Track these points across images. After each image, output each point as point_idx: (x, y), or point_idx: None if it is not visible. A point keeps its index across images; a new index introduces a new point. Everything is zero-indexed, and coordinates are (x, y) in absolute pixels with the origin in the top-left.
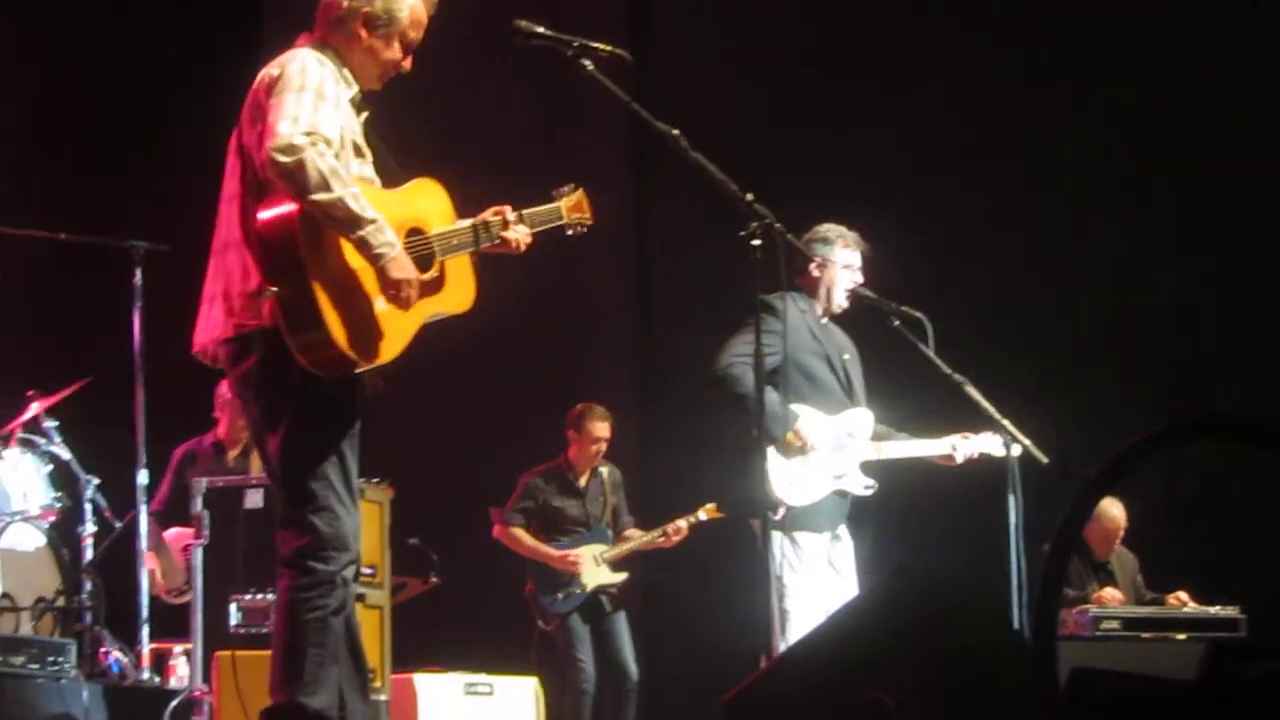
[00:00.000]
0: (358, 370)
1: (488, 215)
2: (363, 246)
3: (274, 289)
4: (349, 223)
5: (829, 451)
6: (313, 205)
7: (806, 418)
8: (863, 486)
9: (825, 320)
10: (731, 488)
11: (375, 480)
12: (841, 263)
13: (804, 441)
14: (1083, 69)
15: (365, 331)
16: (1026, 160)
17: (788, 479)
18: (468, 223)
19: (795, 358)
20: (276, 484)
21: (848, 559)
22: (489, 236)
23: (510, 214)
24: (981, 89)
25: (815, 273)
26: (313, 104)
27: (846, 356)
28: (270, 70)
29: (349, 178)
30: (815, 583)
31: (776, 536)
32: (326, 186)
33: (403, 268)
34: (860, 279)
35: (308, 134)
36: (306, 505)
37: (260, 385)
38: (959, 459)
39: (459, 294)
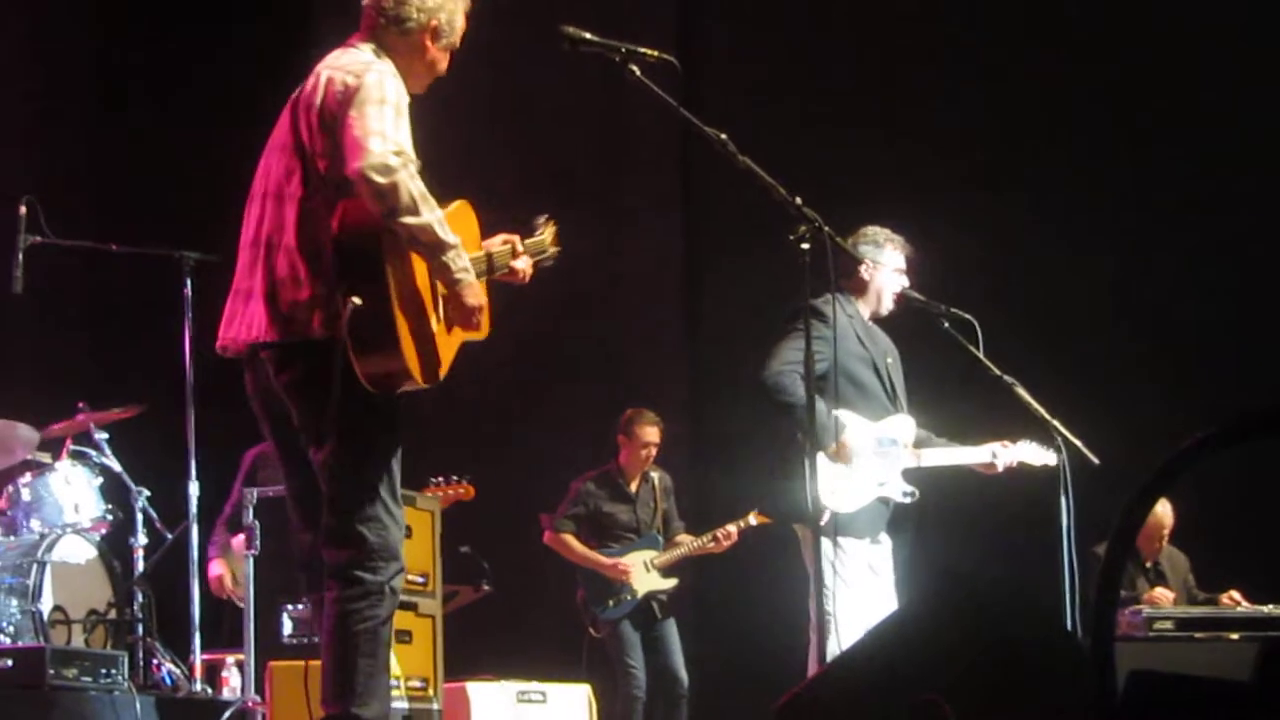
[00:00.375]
0: (404, 389)
1: (497, 244)
2: (443, 271)
3: (355, 300)
4: (434, 247)
5: (872, 458)
6: (401, 227)
7: (851, 428)
8: (903, 493)
9: (870, 324)
10: (776, 493)
11: (456, 478)
12: (891, 265)
13: (848, 451)
14: (1134, 77)
15: (428, 352)
16: (1072, 167)
17: (832, 486)
18: (483, 251)
19: (842, 363)
20: (314, 493)
21: (886, 561)
22: (498, 266)
23: (519, 244)
24: (1029, 95)
25: (865, 275)
26: (394, 120)
27: (890, 360)
28: (344, 78)
29: (433, 200)
30: (859, 588)
31: (823, 543)
32: (416, 210)
33: (477, 294)
34: (907, 282)
35: (398, 154)
36: (355, 516)
37: (309, 395)
38: (999, 467)
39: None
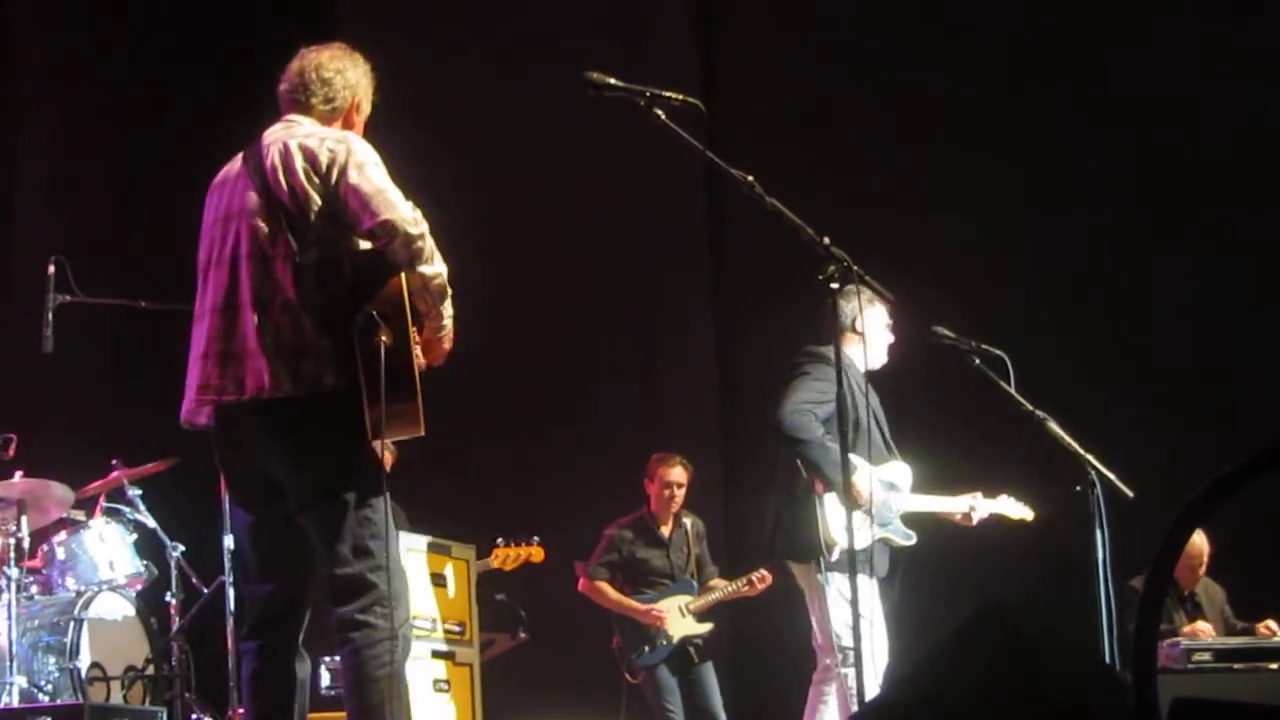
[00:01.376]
0: (396, 437)
1: None
2: (438, 318)
3: (385, 339)
4: (440, 295)
5: (876, 501)
6: (419, 277)
7: (861, 470)
8: (903, 537)
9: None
10: (782, 534)
11: (524, 540)
12: (880, 321)
13: (859, 494)
14: (1149, 114)
15: (424, 401)
16: (1102, 195)
17: (841, 522)
18: None
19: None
20: (325, 544)
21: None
22: None
23: None
24: (1052, 130)
25: (859, 328)
26: (389, 179)
27: (880, 414)
28: (326, 144)
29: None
30: (878, 623)
31: (836, 579)
32: (433, 261)
33: (452, 340)
34: (893, 338)
35: (415, 208)
36: (365, 562)
37: (319, 449)
38: (974, 520)
39: None
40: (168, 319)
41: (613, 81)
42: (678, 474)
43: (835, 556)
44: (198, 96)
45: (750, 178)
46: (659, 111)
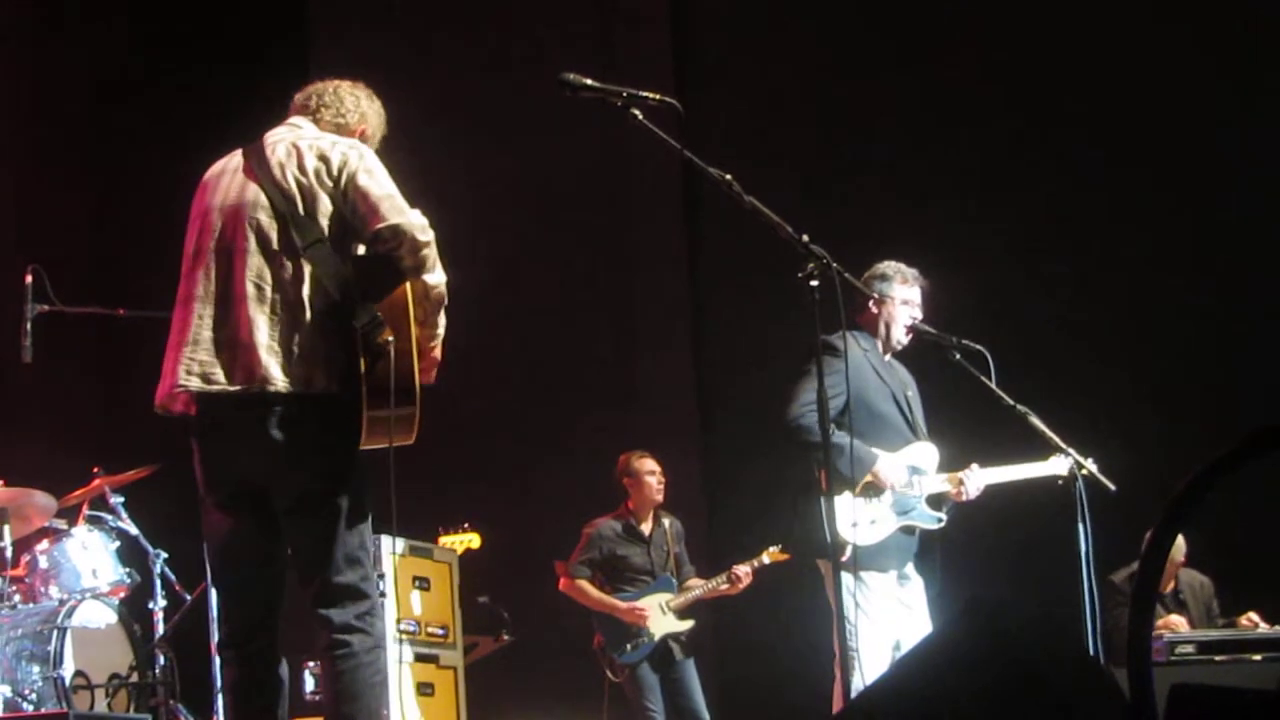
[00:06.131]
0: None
1: None
2: (432, 326)
3: (390, 338)
4: (439, 303)
5: (900, 487)
6: (421, 284)
7: (884, 460)
8: (931, 520)
9: (888, 358)
10: (798, 529)
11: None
12: (900, 299)
13: (884, 483)
14: (1157, 113)
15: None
16: (1084, 193)
17: (851, 519)
18: None
19: (860, 396)
20: (316, 551)
21: (919, 596)
22: None
23: None
24: (1034, 131)
25: (873, 310)
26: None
27: (910, 393)
28: (340, 148)
29: None
30: (883, 622)
31: (844, 577)
32: (435, 269)
33: (441, 351)
34: (919, 315)
35: (422, 215)
36: (357, 571)
37: (311, 451)
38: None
39: None
40: (146, 327)
41: (589, 82)
42: (654, 464)
43: (846, 556)
44: (172, 108)
45: (728, 176)
46: (636, 111)
